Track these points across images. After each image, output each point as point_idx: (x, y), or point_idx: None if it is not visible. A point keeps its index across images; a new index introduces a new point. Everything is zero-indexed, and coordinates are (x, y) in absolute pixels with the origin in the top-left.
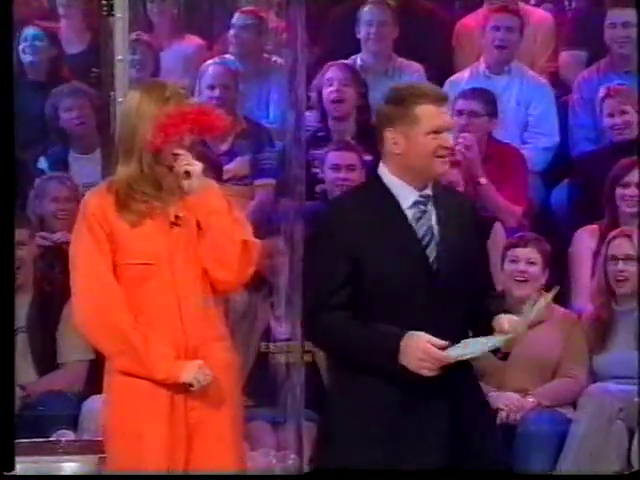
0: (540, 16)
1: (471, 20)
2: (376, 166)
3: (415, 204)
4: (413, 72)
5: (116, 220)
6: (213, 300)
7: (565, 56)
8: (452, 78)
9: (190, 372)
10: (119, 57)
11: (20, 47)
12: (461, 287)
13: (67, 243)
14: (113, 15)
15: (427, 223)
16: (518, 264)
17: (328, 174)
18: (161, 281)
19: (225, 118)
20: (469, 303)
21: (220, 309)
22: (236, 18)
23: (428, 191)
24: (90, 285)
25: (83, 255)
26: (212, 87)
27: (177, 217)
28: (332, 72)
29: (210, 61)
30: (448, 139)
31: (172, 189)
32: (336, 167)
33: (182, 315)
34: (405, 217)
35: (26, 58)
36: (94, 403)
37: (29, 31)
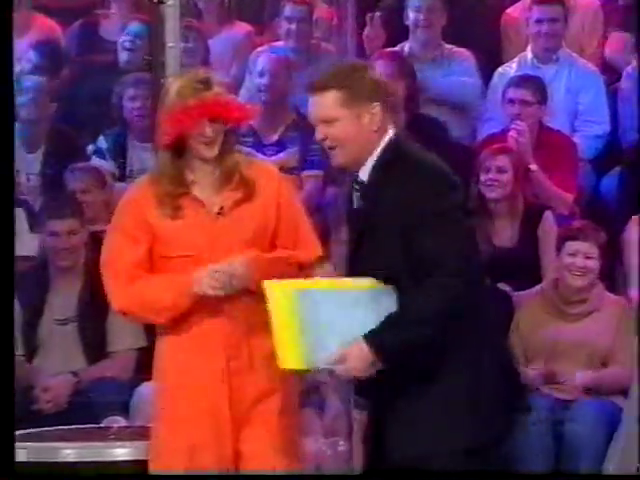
0: (586, 1)
1: (516, 11)
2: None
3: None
4: (463, 59)
5: (155, 213)
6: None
7: (614, 41)
8: (500, 69)
9: (199, 282)
10: (170, 44)
11: (121, 39)
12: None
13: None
14: (164, 2)
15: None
16: (576, 258)
17: None
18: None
19: (241, 107)
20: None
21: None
22: (286, 7)
23: (362, 176)
24: (110, 264)
25: (110, 240)
26: (262, 75)
27: (222, 208)
28: (380, 66)
29: (260, 49)
30: (317, 132)
31: (212, 180)
32: None
33: (223, 305)
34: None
35: (124, 52)
36: (145, 390)
37: (134, 25)
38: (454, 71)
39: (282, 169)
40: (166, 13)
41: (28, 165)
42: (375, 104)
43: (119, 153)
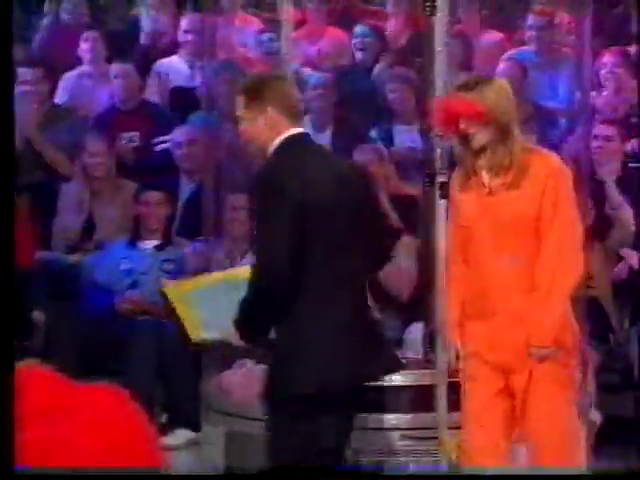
0: None
1: None
2: None
3: None
4: None
5: (458, 191)
6: (522, 260)
7: None
8: None
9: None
10: (439, 49)
11: (353, 42)
12: None
13: None
14: (434, 15)
15: None
16: None
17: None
18: (474, 241)
19: (469, 109)
20: None
21: (527, 267)
22: (532, 18)
23: None
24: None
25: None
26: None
27: (491, 189)
28: (606, 57)
29: (508, 53)
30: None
31: (491, 164)
32: (595, 137)
33: (486, 272)
34: None
35: (358, 52)
36: (414, 328)
37: (360, 28)
38: None
39: None
40: (435, 23)
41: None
42: (270, 109)
43: (387, 136)
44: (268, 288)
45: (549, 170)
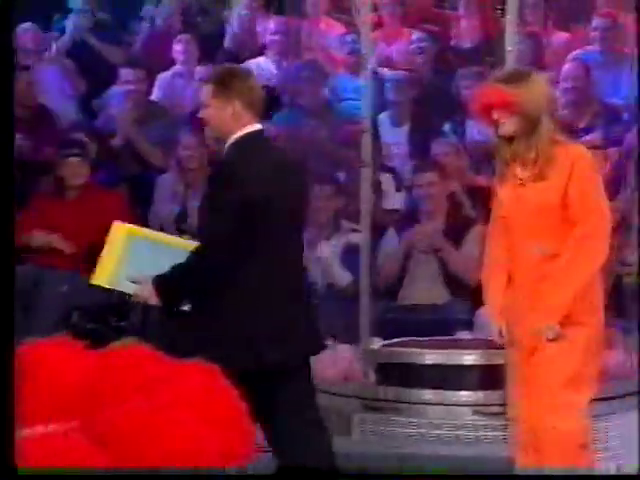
0: None
1: None
2: None
3: None
4: None
5: (498, 183)
6: (551, 248)
7: None
8: None
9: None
10: (509, 48)
11: (410, 47)
12: None
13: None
14: (504, 16)
15: None
16: None
17: None
18: (509, 230)
19: (504, 98)
20: None
21: (556, 255)
22: (597, 20)
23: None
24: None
25: None
26: (566, 79)
27: (521, 180)
28: None
29: (573, 53)
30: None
31: (522, 155)
32: None
33: (518, 261)
34: None
35: (416, 56)
36: (483, 311)
37: (416, 34)
38: None
39: (591, 147)
40: (507, 24)
41: (396, 137)
42: (237, 102)
43: (460, 131)
44: (207, 267)
45: (574, 160)
